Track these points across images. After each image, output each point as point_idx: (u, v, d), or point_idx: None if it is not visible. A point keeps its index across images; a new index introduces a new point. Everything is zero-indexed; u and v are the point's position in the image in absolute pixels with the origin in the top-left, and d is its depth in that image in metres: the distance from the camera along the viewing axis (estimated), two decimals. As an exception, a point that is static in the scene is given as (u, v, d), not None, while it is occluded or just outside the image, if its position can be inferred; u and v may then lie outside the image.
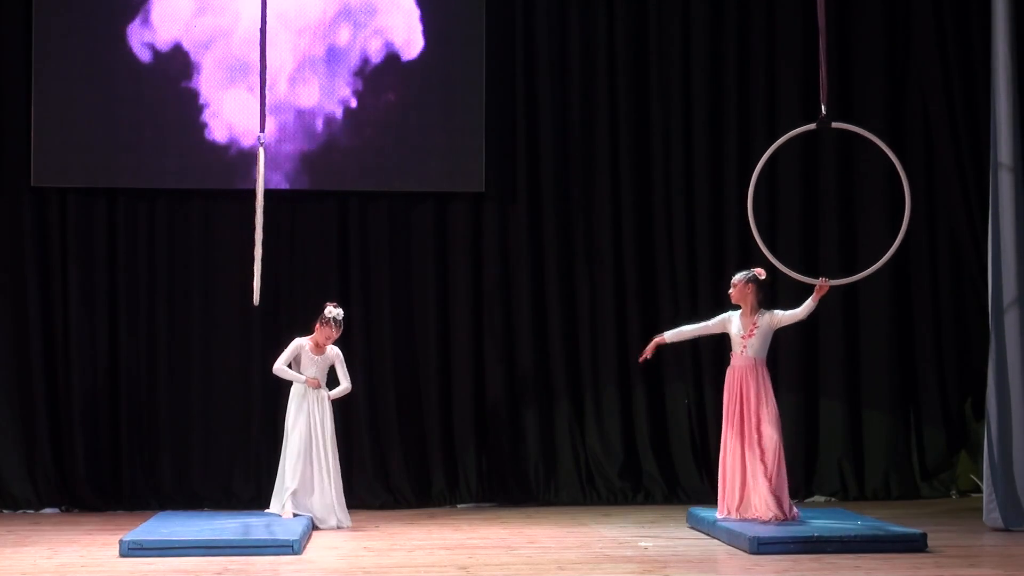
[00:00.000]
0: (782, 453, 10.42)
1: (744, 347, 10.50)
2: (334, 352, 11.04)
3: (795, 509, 10.48)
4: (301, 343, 10.97)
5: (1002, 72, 10.94)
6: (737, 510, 10.41)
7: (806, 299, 10.42)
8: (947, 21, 12.53)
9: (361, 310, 12.54)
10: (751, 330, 10.48)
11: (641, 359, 10.96)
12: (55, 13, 12.18)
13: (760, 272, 10.55)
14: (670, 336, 10.81)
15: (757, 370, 10.47)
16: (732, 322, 10.58)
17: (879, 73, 13.00)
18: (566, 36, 12.87)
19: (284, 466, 10.88)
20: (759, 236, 10.36)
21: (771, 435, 10.35)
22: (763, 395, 10.42)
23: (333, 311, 10.93)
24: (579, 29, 12.87)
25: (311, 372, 10.94)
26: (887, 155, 10.41)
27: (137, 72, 12.23)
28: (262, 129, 10.23)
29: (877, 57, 13.02)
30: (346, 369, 11.09)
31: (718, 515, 10.49)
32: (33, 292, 12.24)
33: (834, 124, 10.32)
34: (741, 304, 10.56)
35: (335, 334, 10.98)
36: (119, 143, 12.25)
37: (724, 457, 10.55)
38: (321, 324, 10.93)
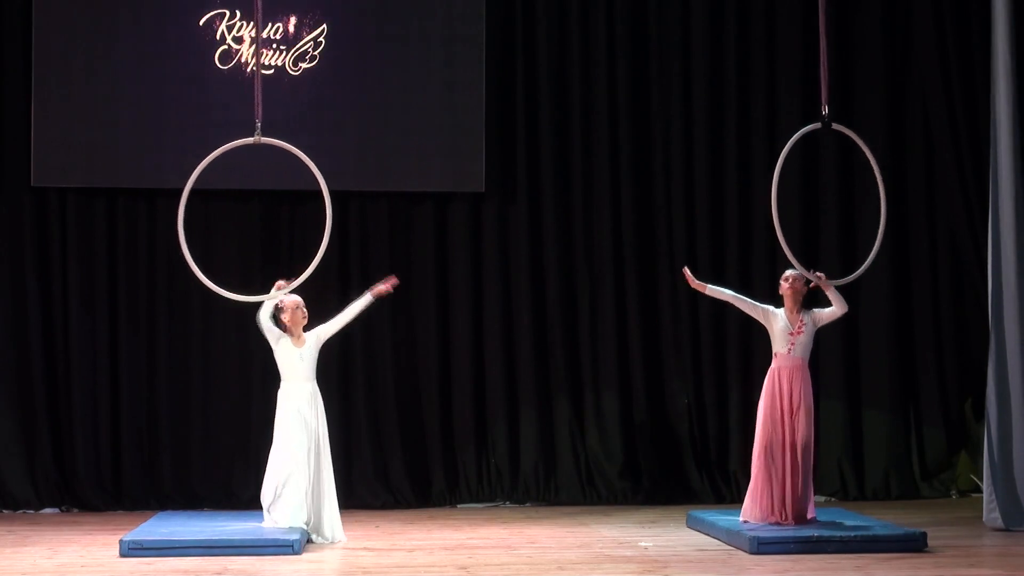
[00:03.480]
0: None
1: (792, 345, 10.29)
2: (314, 335, 10.31)
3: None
4: (282, 333, 10.34)
5: (1002, 72, 10.95)
6: (792, 516, 10.13)
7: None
8: (947, 21, 12.53)
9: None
10: (799, 327, 10.30)
11: (688, 272, 10.67)
12: (55, 13, 12.18)
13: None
14: (711, 290, 10.57)
15: (804, 371, 10.30)
16: (777, 318, 10.37)
17: (879, 73, 13.01)
18: (566, 36, 12.88)
19: (285, 475, 10.11)
20: (784, 241, 10.26)
21: (811, 439, 10.25)
22: (810, 397, 10.25)
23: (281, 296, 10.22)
24: (579, 29, 12.87)
25: (293, 360, 10.20)
26: (883, 157, 10.42)
27: (137, 71, 12.25)
28: (258, 117, 10.12)
29: (877, 57, 13.02)
30: (331, 320, 10.39)
31: (749, 519, 10.22)
32: (33, 292, 12.25)
33: (834, 126, 10.32)
34: (790, 300, 10.34)
35: (297, 314, 10.25)
36: (119, 143, 12.26)
37: (768, 460, 10.25)
38: (284, 313, 10.29)
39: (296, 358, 10.28)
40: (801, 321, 10.35)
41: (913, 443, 13.00)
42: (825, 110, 10.25)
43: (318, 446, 10.24)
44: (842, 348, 12.93)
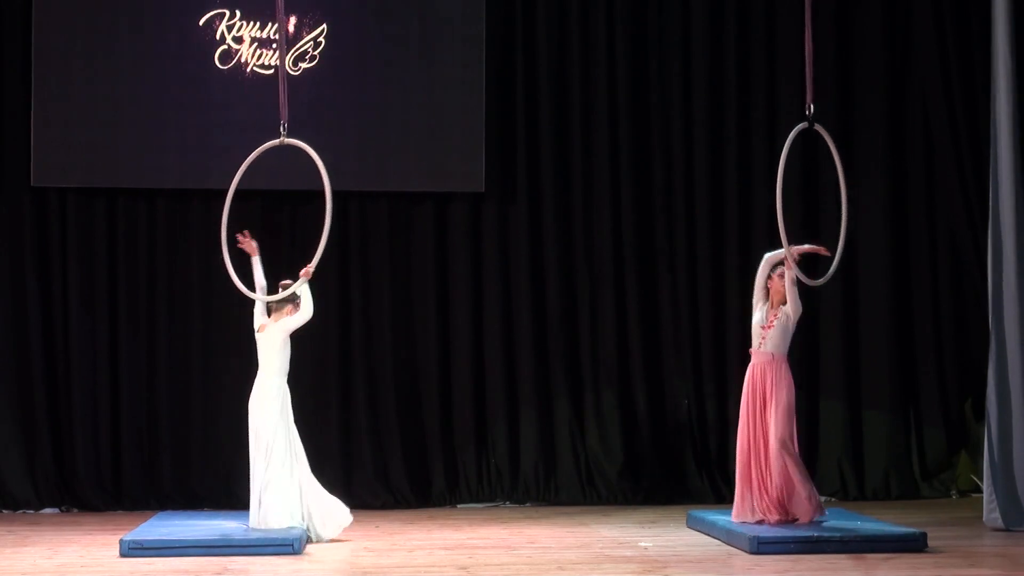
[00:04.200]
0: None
1: (763, 339, 10.26)
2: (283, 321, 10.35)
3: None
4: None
5: (1002, 72, 10.95)
6: (779, 513, 10.09)
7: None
8: (947, 21, 12.52)
9: (361, 310, 12.55)
10: (771, 321, 10.26)
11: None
12: (55, 13, 12.18)
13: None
14: (780, 253, 10.26)
15: (777, 366, 10.24)
16: (758, 310, 10.33)
17: (879, 73, 13.00)
18: (566, 36, 12.88)
19: (283, 474, 10.06)
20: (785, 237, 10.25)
21: (788, 435, 10.16)
22: (785, 392, 10.17)
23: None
24: (579, 29, 12.87)
25: (287, 354, 10.18)
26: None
27: (137, 71, 12.25)
28: (284, 119, 10.14)
29: (877, 57, 13.02)
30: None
31: (735, 518, 10.19)
32: (33, 292, 12.25)
33: (815, 126, 10.28)
34: (776, 295, 10.26)
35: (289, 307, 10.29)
36: (119, 143, 12.25)
37: (746, 459, 10.24)
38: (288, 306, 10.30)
39: (288, 351, 10.23)
40: (775, 315, 10.29)
41: (913, 443, 13.00)
42: (810, 110, 10.25)
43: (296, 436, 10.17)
44: (842, 348, 12.93)
